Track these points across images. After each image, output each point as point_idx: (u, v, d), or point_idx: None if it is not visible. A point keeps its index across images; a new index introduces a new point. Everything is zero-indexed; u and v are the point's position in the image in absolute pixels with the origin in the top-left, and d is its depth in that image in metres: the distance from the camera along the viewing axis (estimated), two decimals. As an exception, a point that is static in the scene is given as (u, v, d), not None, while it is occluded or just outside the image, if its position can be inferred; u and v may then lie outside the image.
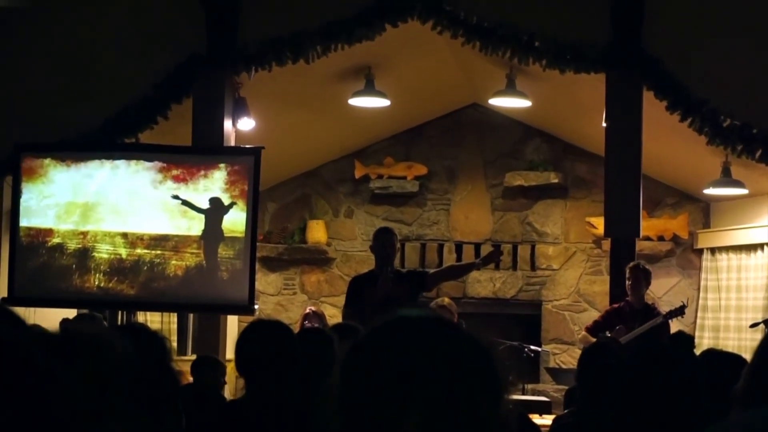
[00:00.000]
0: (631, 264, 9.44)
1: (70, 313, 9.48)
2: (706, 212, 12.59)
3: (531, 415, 7.11)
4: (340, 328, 6.20)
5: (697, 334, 11.96)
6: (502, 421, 1.75)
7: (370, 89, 10.70)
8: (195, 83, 10.05)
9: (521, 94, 10.66)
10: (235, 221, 9.64)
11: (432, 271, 10.20)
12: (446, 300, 10.58)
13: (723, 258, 12.12)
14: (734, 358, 4.46)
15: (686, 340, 6.50)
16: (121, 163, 9.76)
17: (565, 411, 6.37)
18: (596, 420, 4.19)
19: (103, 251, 9.71)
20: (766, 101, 9.11)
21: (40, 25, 10.59)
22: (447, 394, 1.70)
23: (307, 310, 10.96)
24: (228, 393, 10.21)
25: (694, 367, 3.61)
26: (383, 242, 9.11)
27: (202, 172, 9.69)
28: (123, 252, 9.70)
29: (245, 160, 9.75)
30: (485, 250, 13.05)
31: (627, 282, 9.41)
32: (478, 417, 1.71)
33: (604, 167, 9.75)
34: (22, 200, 9.80)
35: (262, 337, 4.72)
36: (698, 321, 12.27)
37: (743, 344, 11.01)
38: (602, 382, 4.30)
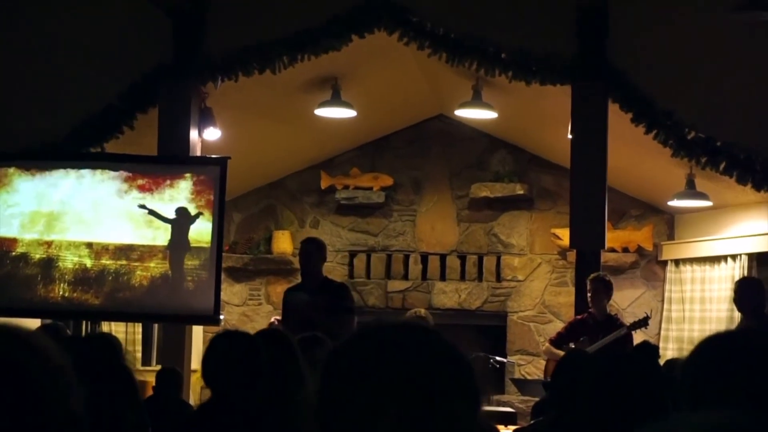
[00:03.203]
0: (591, 276, 9.47)
1: (35, 323, 9.42)
2: (670, 224, 12.65)
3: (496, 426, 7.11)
4: (307, 339, 6.19)
5: (661, 345, 12.00)
6: (478, 430, 1.75)
7: (336, 100, 10.70)
8: (161, 93, 10.03)
9: (487, 106, 10.69)
10: (200, 231, 9.62)
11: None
12: (422, 311, 10.64)
13: (687, 270, 12.18)
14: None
15: (651, 350, 6.52)
16: (86, 173, 9.73)
17: (531, 422, 6.38)
18: (564, 429, 4.20)
19: (68, 261, 9.67)
20: (729, 114, 9.18)
21: (4, 35, 10.55)
22: (422, 400, 1.70)
23: (272, 320, 10.95)
24: (193, 404, 10.18)
25: (658, 378, 3.64)
26: (300, 253, 9.27)
27: (168, 182, 9.67)
28: (88, 262, 9.66)
29: (211, 170, 9.74)
30: (451, 261, 13.08)
31: (588, 294, 9.45)
32: (453, 425, 1.72)
33: (570, 179, 9.78)
34: (-15, 210, 9.75)
35: (228, 349, 4.72)
36: (662, 332, 12.32)
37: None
38: (571, 392, 4.32)
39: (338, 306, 8.80)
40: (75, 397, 1.77)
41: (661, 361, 4.85)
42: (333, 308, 8.73)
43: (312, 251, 9.16)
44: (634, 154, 10.47)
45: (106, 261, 9.65)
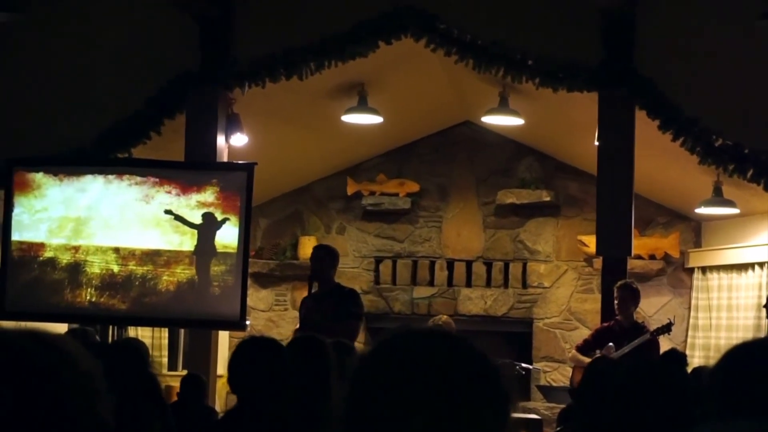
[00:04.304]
0: (619, 283, 9.44)
1: (62, 328, 9.46)
2: (697, 231, 12.60)
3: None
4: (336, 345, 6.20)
5: (687, 353, 11.94)
6: None
7: (363, 106, 10.71)
8: (188, 99, 10.06)
9: (514, 113, 10.68)
10: (227, 237, 9.64)
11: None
12: (444, 317, 10.62)
13: (714, 277, 12.13)
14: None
15: (679, 357, 6.51)
16: (113, 178, 9.76)
17: (557, 429, 6.37)
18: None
19: (95, 266, 9.70)
20: (757, 121, 9.14)
21: (34, 40, 10.60)
22: (450, 407, 1.70)
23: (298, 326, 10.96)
24: (219, 409, 10.19)
25: (686, 385, 3.63)
26: (310, 259, 9.23)
27: (195, 188, 9.68)
28: (115, 267, 9.69)
29: (238, 176, 9.75)
30: (477, 267, 13.06)
31: (615, 301, 9.42)
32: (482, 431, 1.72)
33: (596, 186, 9.76)
34: (14, 214, 9.78)
35: (255, 355, 4.72)
36: (689, 340, 12.28)
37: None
38: (597, 400, 4.31)
39: (344, 311, 8.79)
40: (103, 403, 1.77)
41: (688, 369, 4.84)
42: (339, 313, 8.73)
43: (322, 256, 9.15)
44: (661, 161, 10.44)
45: (132, 266, 9.68)
